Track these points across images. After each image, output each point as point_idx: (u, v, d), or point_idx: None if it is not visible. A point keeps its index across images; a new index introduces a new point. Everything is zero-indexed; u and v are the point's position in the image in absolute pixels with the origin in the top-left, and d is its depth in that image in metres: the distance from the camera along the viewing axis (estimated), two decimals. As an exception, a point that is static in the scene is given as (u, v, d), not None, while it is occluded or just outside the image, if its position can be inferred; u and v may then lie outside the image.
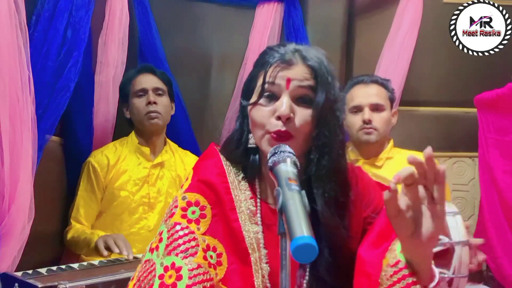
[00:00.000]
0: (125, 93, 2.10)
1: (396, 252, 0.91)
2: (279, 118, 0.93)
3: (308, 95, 0.95)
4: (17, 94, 1.40)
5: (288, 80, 0.94)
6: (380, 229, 0.98)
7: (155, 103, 2.03)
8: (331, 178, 0.96)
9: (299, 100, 0.95)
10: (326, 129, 0.96)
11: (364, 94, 1.97)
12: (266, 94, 0.96)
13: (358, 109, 1.96)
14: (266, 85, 0.96)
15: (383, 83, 2.01)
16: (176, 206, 0.99)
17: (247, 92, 1.02)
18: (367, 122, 1.93)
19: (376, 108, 1.95)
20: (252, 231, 0.98)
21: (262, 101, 0.96)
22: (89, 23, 1.88)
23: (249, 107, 0.99)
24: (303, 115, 0.95)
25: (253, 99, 0.98)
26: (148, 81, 2.08)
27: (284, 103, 0.93)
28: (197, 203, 0.98)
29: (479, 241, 1.30)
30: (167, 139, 2.19)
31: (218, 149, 1.07)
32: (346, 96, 1.99)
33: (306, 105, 0.95)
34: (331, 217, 0.95)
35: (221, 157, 1.04)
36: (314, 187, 0.96)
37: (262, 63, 0.99)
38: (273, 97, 0.96)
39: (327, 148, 0.96)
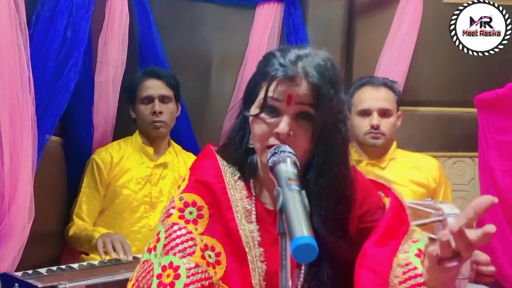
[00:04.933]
0: (132, 96, 2.11)
1: (409, 254, 0.92)
2: (278, 134, 0.93)
3: (309, 112, 0.93)
4: (17, 94, 1.40)
5: (289, 97, 0.93)
6: (387, 225, 0.98)
7: (160, 113, 2.04)
8: (330, 195, 0.95)
9: (300, 116, 0.94)
10: (328, 145, 0.95)
11: (373, 97, 1.94)
12: (267, 108, 0.95)
13: (366, 113, 1.94)
14: (267, 100, 0.94)
15: (392, 86, 1.99)
16: (173, 207, 0.99)
17: (249, 99, 1.00)
18: (375, 127, 1.91)
19: (384, 113, 1.93)
20: (248, 229, 0.99)
21: (263, 114, 0.95)
22: (89, 23, 1.88)
23: (250, 118, 0.98)
24: (302, 132, 0.93)
25: (254, 110, 0.97)
26: (154, 87, 2.07)
27: (283, 121, 0.92)
28: (194, 204, 0.98)
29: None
30: (171, 141, 2.20)
31: (214, 149, 1.07)
32: (354, 97, 1.97)
33: (307, 121, 0.94)
34: (329, 235, 0.94)
35: (218, 157, 1.04)
36: (312, 203, 0.91)
37: (264, 72, 0.97)
38: (274, 111, 0.94)
39: (326, 165, 0.95)
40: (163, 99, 2.07)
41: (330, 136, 0.95)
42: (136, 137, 2.12)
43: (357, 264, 0.96)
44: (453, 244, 0.77)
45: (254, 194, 1.02)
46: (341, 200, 0.97)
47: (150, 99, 2.06)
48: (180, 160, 2.17)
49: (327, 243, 0.94)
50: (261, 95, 0.96)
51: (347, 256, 0.97)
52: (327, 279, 0.96)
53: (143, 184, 2.04)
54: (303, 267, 0.98)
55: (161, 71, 2.14)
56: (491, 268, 1.50)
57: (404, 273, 0.90)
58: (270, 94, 0.94)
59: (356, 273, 0.95)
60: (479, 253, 1.51)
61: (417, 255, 0.91)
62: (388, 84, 1.99)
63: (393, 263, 0.92)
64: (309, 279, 0.97)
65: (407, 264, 0.91)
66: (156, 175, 2.08)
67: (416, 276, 0.88)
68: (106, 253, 1.75)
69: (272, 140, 0.93)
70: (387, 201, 1.06)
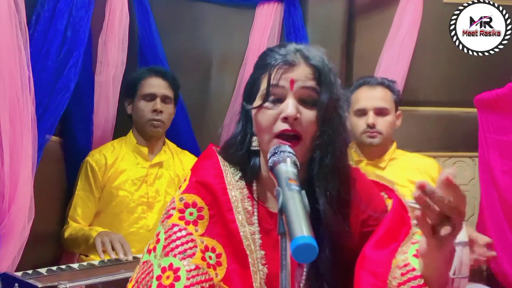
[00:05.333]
0: (132, 90, 2.09)
1: (407, 255, 0.91)
2: (285, 119, 0.93)
3: (312, 96, 0.95)
4: (17, 94, 1.39)
5: (292, 81, 0.94)
6: (388, 227, 0.98)
7: (161, 112, 2.04)
8: (334, 176, 0.96)
9: (303, 101, 0.95)
10: (330, 128, 0.96)
11: (369, 97, 1.95)
12: (270, 97, 0.95)
13: (362, 112, 1.95)
14: (270, 88, 0.95)
15: (389, 86, 1.99)
16: (173, 208, 0.99)
17: (249, 95, 1.01)
18: (371, 126, 1.92)
19: (380, 112, 1.94)
20: (249, 231, 0.98)
21: (266, 104, 0.95)
22: (89, 23, 1.88)
23: (253, 111, 0.98)
24: (308, 115, 0.94)
25: (257, 102, 0.97)
26: (158, 86, 2.07)
27: (290, 104, 0.93)
28: (194, 205, 0.98)
29: (487, 239, 1.26)
30: (166, 140, 2.19)
31: (216, 150, 1.07)
32: (351, 97, 1.97)
33: (310, 105, 0.95)
34: (333, 216, 0.95)
35: (219, 158, 1.04)
36: (317, 185, 0.95)
37: (263, 65, 0.98)
38: (278, 100, 0.95)
39: (330, 147, 0.96)
40: (164, 99, 2.07)
41: (332, 120, 0.96)
42: (130, 138, 2.11)
43: (357, 266, 0.96)
44: (433, 205, 0.75)
45: (256, 197, 1.01)
46: (343, 181, 0.98)
47: (152, 97, 2.05)
48: (175, 159, 2.16)
49: (332, 226, 0.94)
50: (263, 86, 0.96)
51: (349, 244, 0.97)
52: (328, 279, 0.96)
53: (139, 185, 2.03)
54: (304, 268, 0.97)
55: (166, 71, 2.14)
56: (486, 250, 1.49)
57: (402, 274, 0.90)
58: (272, 81, 0.94)
59: (356, 276, 0.95)
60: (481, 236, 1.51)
61: (415, 256, 0.90)
62: (385, 84, 1.99)
63: (392, 265, 0.92)
64: (310, 279, 0.97)
65: (405, 265, 0.90)
66: (152, 175, 2.07)
67: (415, 277, 0.88)
68: (104, 252, 1.73)
69: (280, 126, 0.94)
70: (389, 203, 1.06)
